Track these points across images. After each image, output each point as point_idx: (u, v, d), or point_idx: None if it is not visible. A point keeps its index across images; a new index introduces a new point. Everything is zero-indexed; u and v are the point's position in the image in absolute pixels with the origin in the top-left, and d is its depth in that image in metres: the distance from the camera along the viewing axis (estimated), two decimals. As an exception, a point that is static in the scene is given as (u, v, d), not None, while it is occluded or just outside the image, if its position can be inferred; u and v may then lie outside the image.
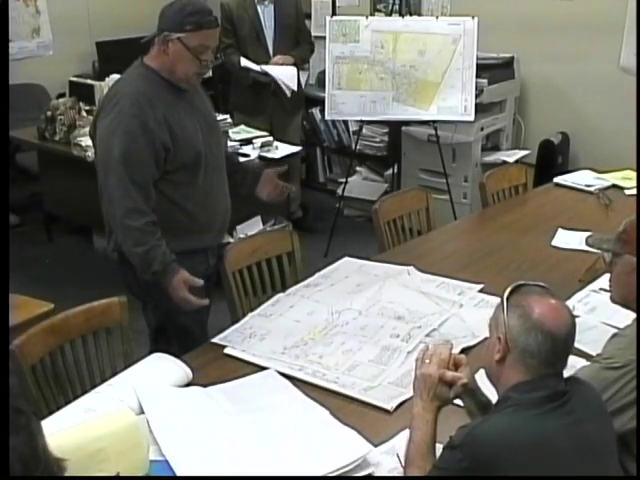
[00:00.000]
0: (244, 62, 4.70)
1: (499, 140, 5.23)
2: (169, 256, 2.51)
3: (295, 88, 4.77)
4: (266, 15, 4.83)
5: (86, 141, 4.20)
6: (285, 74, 4.73)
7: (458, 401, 1.84)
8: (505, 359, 1.65)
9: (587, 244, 2.23)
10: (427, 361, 1.78)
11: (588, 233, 3.13)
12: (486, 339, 1.79)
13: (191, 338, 2.61)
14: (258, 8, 4.81)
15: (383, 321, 2.55)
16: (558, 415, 1.58)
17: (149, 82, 2.54)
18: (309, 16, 5.88)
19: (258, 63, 4.73)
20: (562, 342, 1.61)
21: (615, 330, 2.18)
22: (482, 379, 1.78)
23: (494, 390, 1.73)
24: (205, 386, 2.15)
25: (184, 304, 2.53)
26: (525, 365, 1.62)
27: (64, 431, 1.72)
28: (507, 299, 1.68)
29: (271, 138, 4.47)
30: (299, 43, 4.94)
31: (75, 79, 5.29)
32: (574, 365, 2.05)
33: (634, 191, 3.58)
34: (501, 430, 1.57)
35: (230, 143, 4.18)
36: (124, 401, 2.01)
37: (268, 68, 4.71)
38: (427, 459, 1.69)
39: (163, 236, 2.54)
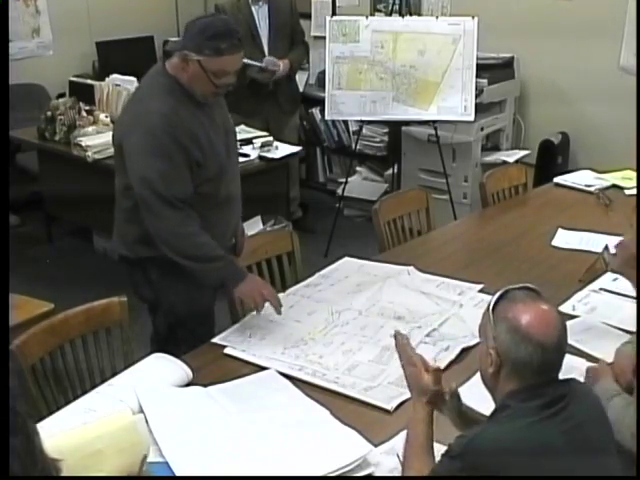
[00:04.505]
0: None
1: (499, 140, 5.23)
2: (235, 262, 2.53)
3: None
4: (260, 15, 4.82)
5: (86, 141, 4.19)
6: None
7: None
8: (499, 372, 1.63)
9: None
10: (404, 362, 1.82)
11: (588, 233, 3.16)
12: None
13: (201, 341, 2.58)
14: (252, 9, 4.80)
15: (383, 321, 2.55)
16: (557, 421, 1.56)
17: (174, 94, 2.47)
18: (309, 16, 5.88)
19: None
20: (554, 350, 1.59)
21: (615, 330, 2.18)
22: (479, 382, 1.75)
23: (490, 395, 1.71)
24: (205, 386, 2.15)
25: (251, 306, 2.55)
26: (519, 376, 1.60)
27: (63, 432, 1.73)
28: (492, 310, 1.64)
29: (271, 138, 4.47)
30: (294, 43, 4.94)
31: (75, 79, 5.28)
32: (574, 365, 2.05)
33: (634, 191, 3.58)
34: (500, 439, 1.56)
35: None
36: (124, 401, 2.01)
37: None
38: (422, 459, 1.68)
39: None
